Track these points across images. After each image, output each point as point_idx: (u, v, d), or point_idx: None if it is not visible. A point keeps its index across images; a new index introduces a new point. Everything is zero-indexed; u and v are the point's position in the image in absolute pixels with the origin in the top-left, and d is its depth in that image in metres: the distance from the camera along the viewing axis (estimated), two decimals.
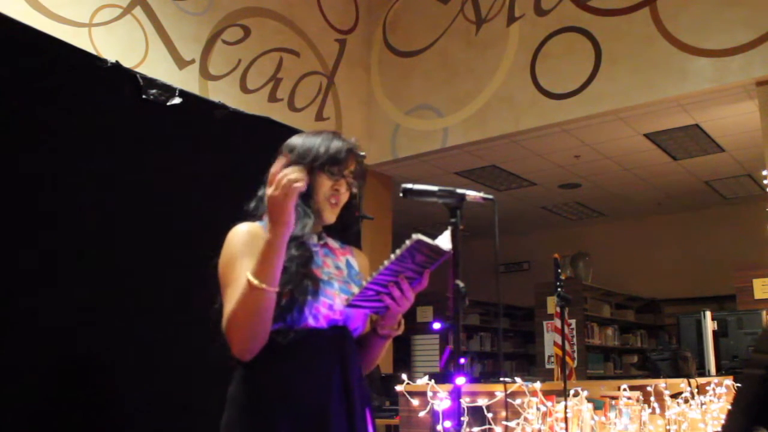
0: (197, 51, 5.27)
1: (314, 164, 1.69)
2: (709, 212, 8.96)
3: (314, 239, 1.73)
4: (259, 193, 1.74)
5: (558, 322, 5.67)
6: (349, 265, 1.79)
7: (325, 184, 1.71)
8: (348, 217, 1.82)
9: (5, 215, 2.30)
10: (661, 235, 9.29)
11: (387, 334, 1.72)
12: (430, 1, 6.59)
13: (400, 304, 1.61)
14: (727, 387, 4.89)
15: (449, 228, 1.59)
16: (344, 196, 1.75)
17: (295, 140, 1.78)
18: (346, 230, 1.84)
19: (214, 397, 1.70)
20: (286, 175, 1.49)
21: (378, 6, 6.90)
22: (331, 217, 1.74)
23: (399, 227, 7.04)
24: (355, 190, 1.78)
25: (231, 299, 1.56)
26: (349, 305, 1.60)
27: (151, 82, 2.80)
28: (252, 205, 1.75)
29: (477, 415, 2.99)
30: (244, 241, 1.62)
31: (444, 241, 1.55)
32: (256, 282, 1.50)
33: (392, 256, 1.51)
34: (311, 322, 1.61)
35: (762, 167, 5.22)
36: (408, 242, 1.49)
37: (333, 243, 1.81)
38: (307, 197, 1.69)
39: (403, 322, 1.73)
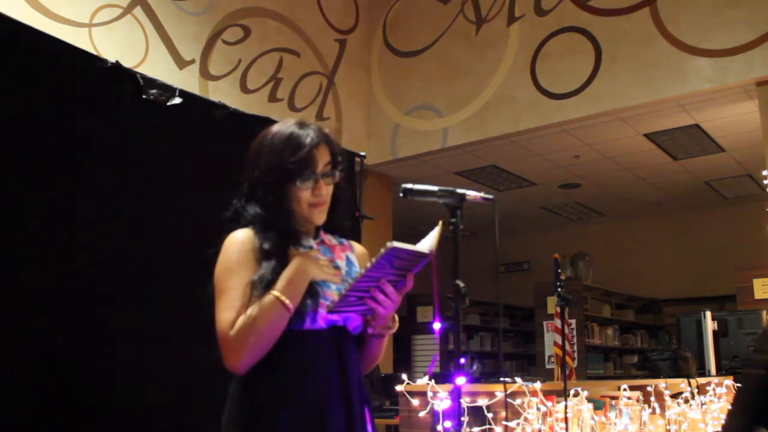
0: (197, 51, 5.27)
1: (283, 179, 1.63)
2: (709, 212, 8.96)
3: (310, 241, 1.72)
4: (234, 203, 1.71)
5: (558, 322, 5.68)
6: (349, 262, 1.77)
7: (302, 194, 1.65)
8: (336, 209, 1.75)
9: (2, 214, 2.30)
10: (661, 235, 9.29)
11: (379, 333, 1.71)
12: (430, 1, 6.59)
13: (386, 306, 1.59)
14: (727, 387, 4.89)
15: (435, 229, 1.57)
16: (328, 193, 1.69)
17: (258, 145, 1.70)
18: (331, 216, 1.75)
19: (215, 396, 1.70)
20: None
21: (378, 6, 6.90)
22: (320, 218, 1.70)
23: (399, 227, 7.04)
24: (337, 180, 1.72)
25: (230, 308, 1.56)
26: (331, 311, 1.58)
27: (151, 82, 2.80)
28: (228, 215, 1.71)
29: (477, 415, 2.99)
30: (240, 250, 1.62)
31: (425, 243, 1.54)
32: (288, 302, 1.54)
33: (369, 264, 1.49)
34: (309, 323, 1.61)
35: (762, 167, 5.22)
36: (383, 250, 1.47)
37: (331, 240, 1.78)
38: (288, 212, 1.66)
39: (397, 319, 1.71)
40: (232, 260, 1.61)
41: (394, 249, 1.47)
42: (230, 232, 1.66)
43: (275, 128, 1.71)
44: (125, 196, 2.67)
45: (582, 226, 9.89)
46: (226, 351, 1.55)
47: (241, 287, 1.57)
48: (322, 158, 1.67)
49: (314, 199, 1.66)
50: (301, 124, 1.69)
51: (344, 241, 1.82)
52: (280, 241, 1.63)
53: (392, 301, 1.60)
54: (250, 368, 1.58)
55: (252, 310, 1.54)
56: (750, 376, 1.50)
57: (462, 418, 2.49)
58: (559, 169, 7.35)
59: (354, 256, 1.80)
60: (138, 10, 4.88)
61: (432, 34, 6.51)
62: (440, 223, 1.59)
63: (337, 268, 1.72)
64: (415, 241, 1.54)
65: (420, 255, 1.52)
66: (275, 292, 1.54)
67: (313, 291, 1.61)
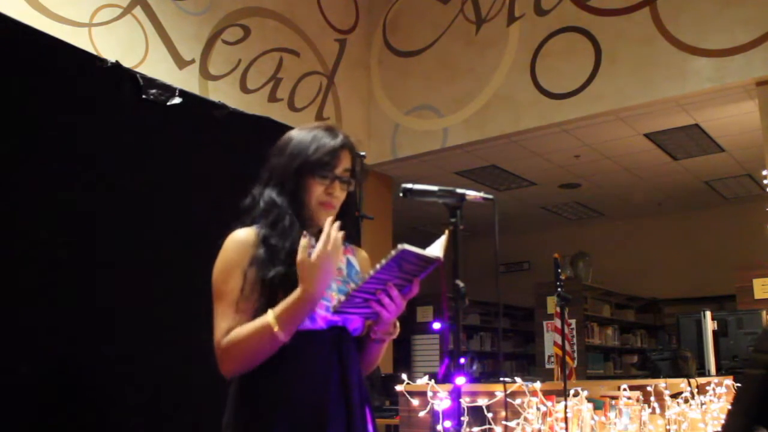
0: (197, 51, 5.27)
1: (302, 170, 1.66)
2: (709, 212, 8.96)
3: (313, 241, 1.72)
4: (254, 191, 1.72)
5: (558, 322, 5.68)
6: (349, 264, 1.77)
7: (317, 189, 1.67)
8: (345, 218, 1.76)
9: (3, 215, 2.30)
10: (661, 235, 9.29)
11: (380, 339, 1.71)
12: (430, 1, 6.59)
13: (390, 311, 1.59)
14: (727, 387, 4.89)
15: (443, 236, 1.57)
16: (340, 198, 1.72)
17: (285, 140, 1.74)
18: (342, 226, 1.78)
19: (215, 396, 1.70)
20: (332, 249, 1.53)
21: (378, 6, 6.90)
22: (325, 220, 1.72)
23: (399, 227, 7.05)
24: (351, 189, 1.74)
25: (225, 317, 1.57)
26: (336, 312, 1.57)
27: (151, 82, 2.80)
28: (247, 202, 1.72)
29: (477, 415, 2.99)
30: (239, 251, 1.61)
31: (434, 249, 1.53)
32: (281, 335, 1.52)
33: (378, 266, 1.49)
34: (308, 323, 1.61)
35: (762, 167, 5.22)
36: (393, 252, 1.46)
37: None
38: (299, 203, 1.67)
39: (398, 325, 1.71)
40: (231, 261, 1.61)
41: (405, 251, 1.47)
42: (233, 229, 1.66)
43: (303, 127, 1.76)
44: (125, 196, 2.67)
45: (582, 226, 9.88)
46: (218, 358, 1.57)
47: (237, 290, 1.58)
48: (343, 162, 1.70)
49: (326, 197, 1.68)
50: (330, 128, 1.74)
51: (346, 245, 1.82)
52: (290, 230, 1.64)
53: (397, 306, 1.59)
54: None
55: (243, 330, 1.54)
56: (750, 376, 1.50)
57: (462, 418, 2.49)
58: (559, 169, 7.35)
59: (355, 260, 1.80)
60: (138, 10, 4.88)
61: (432, 34, 6.51)
62: (446, 232, 1.58)
63: (338, 269, 1.72)
64: (416, 244, 1.53)
65: (429, 260, 1.52)
66: (271, 319, 1.52)
67: None
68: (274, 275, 1.57)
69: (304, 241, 1.55)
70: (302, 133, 1.72)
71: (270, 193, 1.68)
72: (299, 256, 1.53)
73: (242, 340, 1.54)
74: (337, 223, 1.55)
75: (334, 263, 1.55)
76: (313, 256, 1.52)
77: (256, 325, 1.54)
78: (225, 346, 1.54)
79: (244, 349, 1.54)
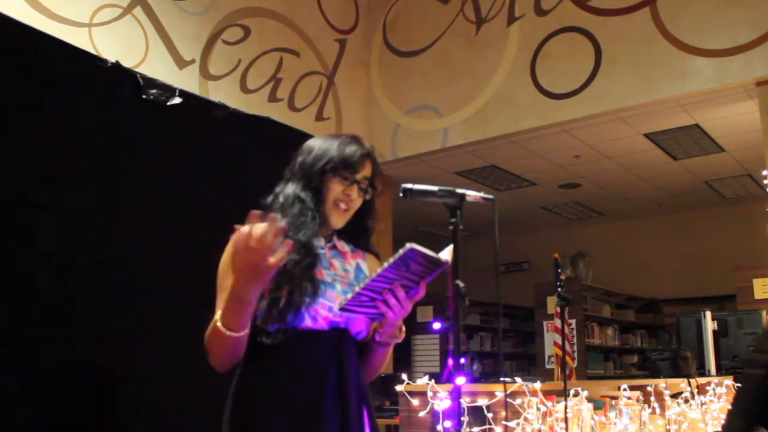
0: (197, 51, 5.27)
1: (326, 167, 1.70)
2: (709, 212, 8.96)
3: (321, 241, 1.73)
4: (276, 189, 1.75)
5: (558, 322, 5.68)
6: (358, 268, 1.78)
7: (335, 188, 1.71)
8: (361, 224, 1.80)
9: (2, 215, 2.30)
10: (661, 235, 9.29)
11: (385, 342, 1.71)
12: (430, 1, 6.59)
13: (395, 312, 1.59)
14: (727, 387, 4.89)
15: (448, 247, 1.57)
16: (355, 203, 1.74)
17: (312, 142, 1.79)
18: (359, 236, 1.82)
19: (215, 396, 1.71)
20: (270, 244, 1.41)
21: (378, 6, 6.90)
22: (338, 222, 1.74)
23: (399, 227, 7.05)
24: (368, 197, 1.77)
25: (217, 312, 1.59)
26: (342, 309, 1.57)
27: (151, 82, 2.79)
28: (269, 200, 1.74)
29: (477, 415, 2.99)
30: None
31: (443, 254, 1.54)
32: (225, 331, 1.52)
33: (385, 264, 1.49)
34: (309, 323, 1.61)
35: (762, 167, 5.22)
36: (401, 250, 1.47)
37: (344, 246, 1.80)
38: (317, 200, 1.69)
39: (403, 329, 1.72)
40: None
41: (412, 250, 1.47)
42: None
43: (330, 134, 1.83)
44: (124, 196, 2.67)
45: (582, 226, 9.89)
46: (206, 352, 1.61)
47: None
48: (365, 170, 1.75)
49: (342, 196, 1.71)
50: (356, 138, 1.80)
51: (357, 250, 1.83)
52: (311, 224, 1.66)
53: (402, 308, 1.59)
54: (250, 367, 1.61)
55: (209, 329, 1.57)
56: (750, 376, 1.50)
57: (462, 418, 2.49)
58: (559, 169, 7.35)
59: (365, 265, 1.81)
60: (138, 10, 4.88)
61: (432, 34, 6.51)
62: (451, 246, 1.58)
63: (345, 271, 1.74)
64: (417, 244, 1.53)
65: (436, 261, 1.52)
66: (217, 315, 1.55)
67: (314, 290, 1.62)
68: (287, 263, 1.58)
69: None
70: (329, 138, 1.78)
71: (294, 189, 1.72)
72: (229, 250, 1.49)
73: (208, 334, 1.57)
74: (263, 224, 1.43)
75: (255, 258, 1.43)
76: (230, 252, 1.47)
77: (211, 326, 1.57)
78: (204, 340, 1.59)
79: (209, 343, 1.57)
